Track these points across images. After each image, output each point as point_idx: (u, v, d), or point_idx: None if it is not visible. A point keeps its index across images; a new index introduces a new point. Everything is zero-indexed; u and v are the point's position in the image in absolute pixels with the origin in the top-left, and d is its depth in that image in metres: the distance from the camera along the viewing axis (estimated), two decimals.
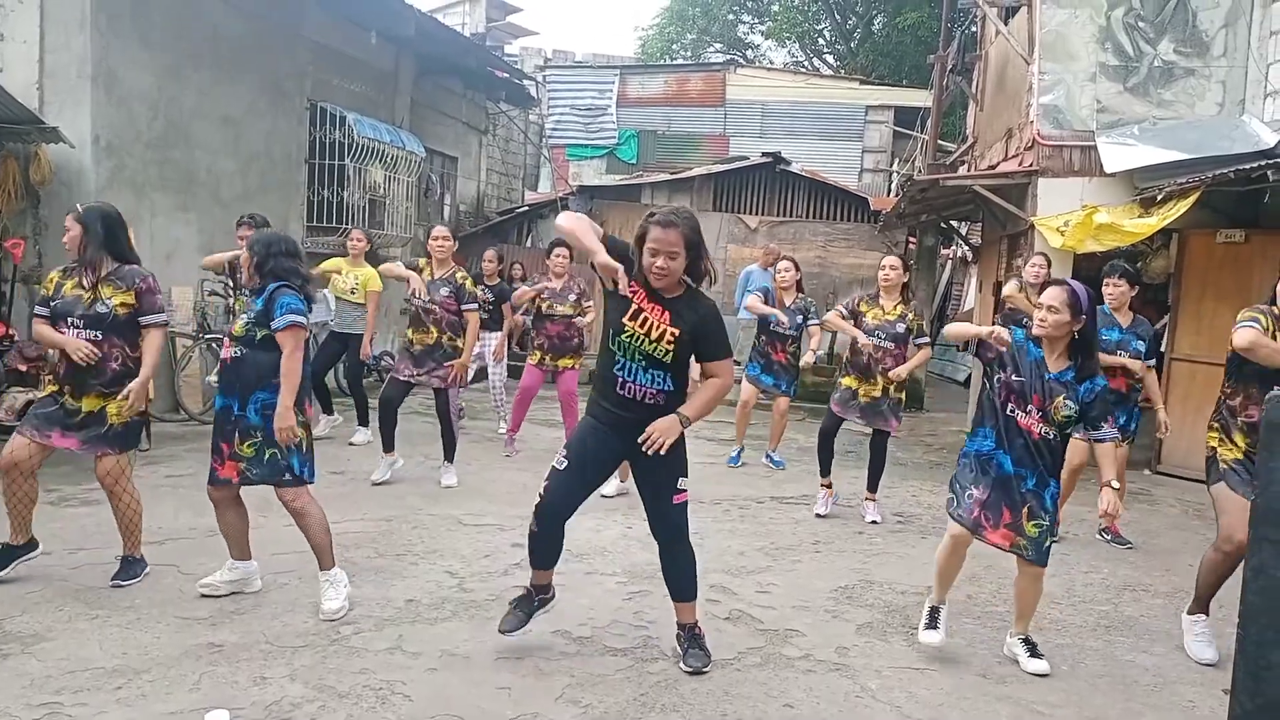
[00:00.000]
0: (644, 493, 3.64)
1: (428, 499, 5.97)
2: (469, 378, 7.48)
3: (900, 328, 5.93)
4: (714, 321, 3.49)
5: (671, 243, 3.33)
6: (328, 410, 7.84)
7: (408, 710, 3.16)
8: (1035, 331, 3.68)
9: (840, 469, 7.20)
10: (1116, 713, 3.46)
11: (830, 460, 6.19)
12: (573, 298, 6.86)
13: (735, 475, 7.30)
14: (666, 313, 3.40)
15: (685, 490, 3.59)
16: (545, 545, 3.63)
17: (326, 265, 7.63)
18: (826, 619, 4.26)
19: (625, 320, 3.40)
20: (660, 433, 3.35)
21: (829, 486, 6.22)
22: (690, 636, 3.65)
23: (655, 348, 3.38)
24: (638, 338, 3.38)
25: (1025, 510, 3.62)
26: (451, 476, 6.39)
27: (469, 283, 6.37)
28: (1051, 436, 3.62)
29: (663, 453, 3.35)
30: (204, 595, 4.03)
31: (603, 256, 3.35)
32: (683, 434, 3.52)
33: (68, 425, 4.04)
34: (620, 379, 3.43)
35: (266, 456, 3.90)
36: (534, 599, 3.70)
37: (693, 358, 3.53)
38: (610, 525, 5.44)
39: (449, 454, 6.44)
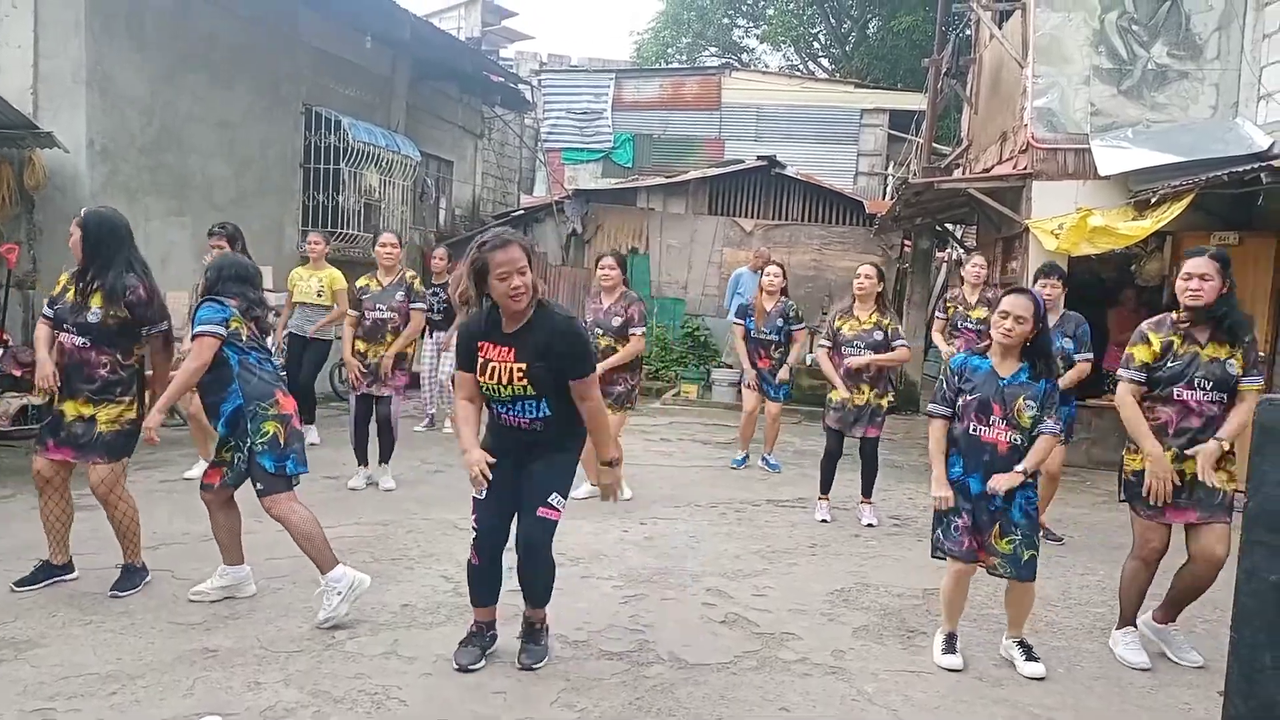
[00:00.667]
0: (520, 498, 3.51)
1: (423, 504, 5.97)
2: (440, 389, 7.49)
3: (877, 335, 5.96)
4: (565, 338, 3.36)
5: (516, 259, 3.22)
6: (310, 419, 7.78)
7: (403, 715, 3.15)
8: (1000, 341, 3.64)
9: (838, 473, 7.21)
10: (1112, 715, 3.46)
11: (832, 479, 6.21)
12: None
13: (731, 478, 7.30)
14: (510, 349, 3.33)
15: (558, 509, 3.48)
16: (486, 577, 3.58)
17: (289, 280, 7.56)
18: (823, 622, 4.26)
19: (479, 378, 3.39)
20: (612, 488, 3.62)
21: (827, 499, 6.23)
22: (528, 632, 3.62)
23: (511, 388, 3.34)
24: (492, 388, 3.37)
25: (995, 528, 3.63)
26: (388, 480, 6.36)
27: (417, 282, 6.43)
28: (1020, 443, 3.61)
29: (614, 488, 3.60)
30: (194, 602, 4.01)
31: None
32: (570, 455, 3.55)
33: (60, 436, 4.04)
34: (497, 410, 3.46)
35: (235, 460, 4.00)
36: (485, 634, 3.62)
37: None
38: (608, 530, 5.44)
39: (385, 456, 6.41)
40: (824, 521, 6.04)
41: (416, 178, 12.19)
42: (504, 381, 3.33)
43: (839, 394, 6.00)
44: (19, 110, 7.05)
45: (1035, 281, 5.83)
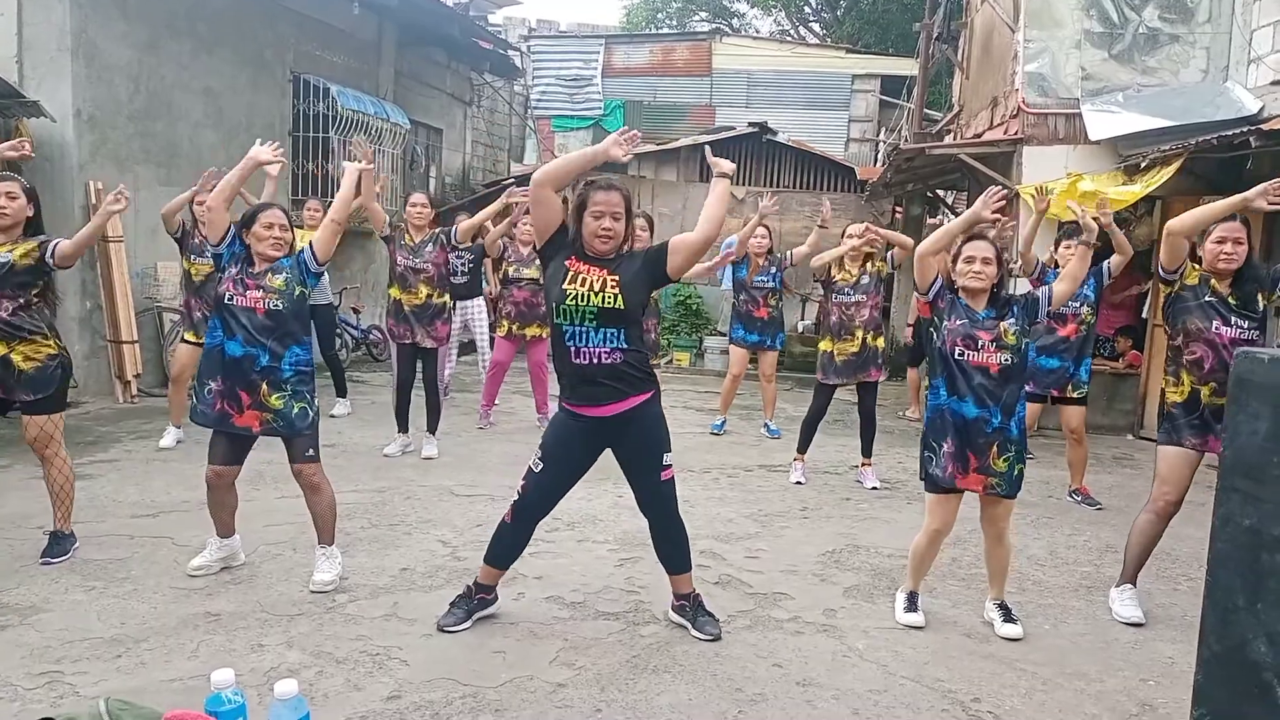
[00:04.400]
0: (630, 474, 3.62)
1: (420, 470, 6.02)
2: (455, 349, 7.48)
3: (865, 279, 6.08)
4: (649, 249, 3.56)
5: (615, 204, 3.40)
6: (343, 393, 7.80)
7: (405, 674, 3.21)
8: (972, 285, 3.68)
9: (828, 436, 7.30)
10: (1097, 669, 3.55)
11: (810, 440, 6.31)
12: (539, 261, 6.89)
13: (723, 444, 7.37)
14: (603, 269, 3.40)
15: (670, 465, 3.60)
16: (512, 542, 3.63)
17: None
18: (814, 583, 4.33)
19: (564, 286, 3.38)
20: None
21: (803, 459, 6.33)
22: (695, 605, 3.70)
23: (602, 297, 3.34)
24: (582, 296, 3.35)
25: (994, 448, 3.65)
26: (432, 448, 6.41)
27: (449, 234, 6.42)
28: (1010, 362, 3.63)
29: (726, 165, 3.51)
30: (196, 576, 4.00)
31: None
32: (662, 411, 3.58)
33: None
34: (573, 348, 3.39)
35: (295, 411, 3.86)
36: (474, 597, 3.66)
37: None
38: (601, 494, 5.50)
39: (432, 424, 6.48)
40: (798, 483, 6.14)
41: (406, 146, 12.11)
42: (596, 289, 3.34)
43: (825, 344, 6.11)
44: (4, 79, 6.98)
45: (1058, 245, 5.89)
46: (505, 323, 7.21)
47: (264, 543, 4.42)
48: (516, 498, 3.58)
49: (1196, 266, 3.98)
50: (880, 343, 6.17)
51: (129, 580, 3.94)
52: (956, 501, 3.78)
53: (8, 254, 4.01)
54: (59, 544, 4.16)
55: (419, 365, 6.46)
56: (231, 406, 3.84)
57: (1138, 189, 7.52)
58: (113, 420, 7.14)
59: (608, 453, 3.61)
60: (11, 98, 7.04)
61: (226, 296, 3.83)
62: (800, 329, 11.76)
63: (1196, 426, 3.89)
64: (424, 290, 6.27)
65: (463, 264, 7.78)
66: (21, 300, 4.07)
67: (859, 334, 6.03)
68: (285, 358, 3.85)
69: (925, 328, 3.88)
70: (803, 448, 6.31)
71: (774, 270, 7.39)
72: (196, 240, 6.26)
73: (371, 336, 10.77)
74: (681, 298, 13.11)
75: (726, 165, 3.58)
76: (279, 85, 9.94)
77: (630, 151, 3.34)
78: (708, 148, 3.43)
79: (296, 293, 3.89)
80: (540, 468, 3.53)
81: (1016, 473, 3.71)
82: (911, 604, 3.93)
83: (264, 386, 3.82)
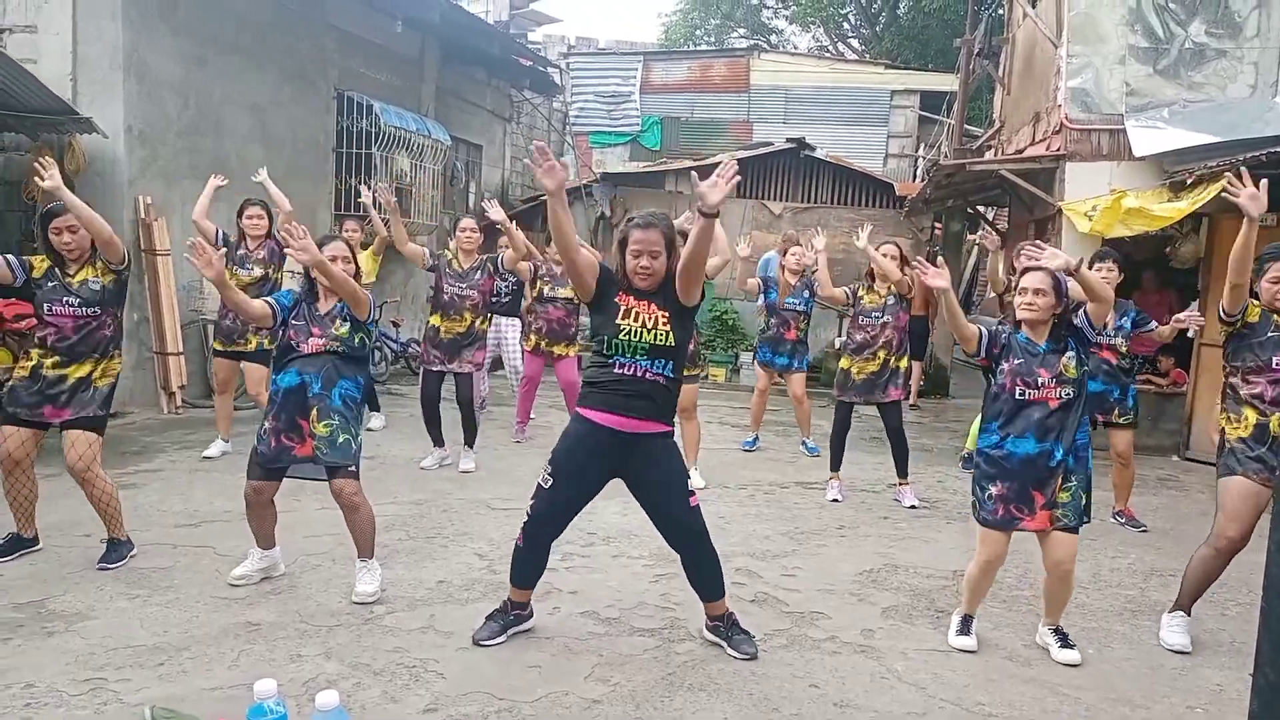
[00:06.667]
0: (650, 508, 3.59)
1: (456, 484, 6.06)
2: (487, 365, 7.52)
3: (891, 300, 6.12)
4: (670, 278, 3.49)
5: (653, 243, 3.40)
6: (375, 408, 7.89)
7: (441, 687, 3.22)
8: (1022, 317, 3.64)
9: (866, 454, 7.25)
10: (1141, 695, 3.47)
11: (842, 455, 6.28)
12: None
13: (759, 461, 7.33)
14: (652, 302, 3.43)
15: (695, 492, 3.58)
16: (529, 563, 3.63)
17: None
18: (852, 602, 4.29)
19: (619, 321, 3.41)
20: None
21: (838, 476, 6.29)
22: (730, 624, 3.67)
23: (655, 334, 3.40)
24: (636, 332, 3.39)
25: (1058, 481, 3.60)
26: (469, 461, 6.47)
27: (498, 262, 6.47)
28: (1071, 395, 3.58)
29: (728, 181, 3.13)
30: (237, 586, 4.05)
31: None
32: (672, 440, 3.56)
33: (59, 400, 4.13)
34: (618, 362, 3.42)
35: (340, 440, 3.91)
36: (510, 613, 3.67)
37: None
38: (636, 509, 5.45)
39: (469, 439, 6.54)
40: (835, 501, 6.09)
41: (447, 162, 12.23)
42: (649, 326, 3.39)
43: (845, 362, 6.21)
44: (59, 96, 7.16)
45: (1090, 266, 5.80)
46: (534, 337, 7.24)
47: (303, 554, 4.46)
48: (526, 519, 3.56)
49: (1256, 303, 3.91)
50: (903, 364, 6.15)
51: (172, 589, 4.00)
52: (1009, 532, 3.73)
53: (98, 278, 4.20)
54: (116, 550, 4.28)
55: (452, 384, 6.49)
56: (291, 438, 3.92)
57: (1183, 206, 7.39)
58: (158, 431, 7.27)
59: None
60: (66, 114, 7.21)
61: (289, 346, 3.97)
62: (838, 345, 11.68)
63: (1263, 459, 3.79)
64: (469, 318, 6.34)
65: (507, 286, 7.85)
66: (117, 316, 4.30)
67: (881, 355, 6.05)
68: (336, 387, 3.93)
69: (986, 374, 3.84)
70: (835, 465, 6.27)
71: (806, 293, 7.36)
72: (241, 251, 6.37)
73: (411, 350, 10.86)
74: (718, 313, 13.08)
75: (712, 196, 3.11)
76: (324, 102, 10.10)
77: (554, 165, 3.22)
78: (694, 174, 3.19)
79: (357, 339, 4.02)
80: (550, 483, 3.52)
81: (1083, 500, 3.66)
82: (964, 628, 3.86)
83: (315, 413, 3.90)
